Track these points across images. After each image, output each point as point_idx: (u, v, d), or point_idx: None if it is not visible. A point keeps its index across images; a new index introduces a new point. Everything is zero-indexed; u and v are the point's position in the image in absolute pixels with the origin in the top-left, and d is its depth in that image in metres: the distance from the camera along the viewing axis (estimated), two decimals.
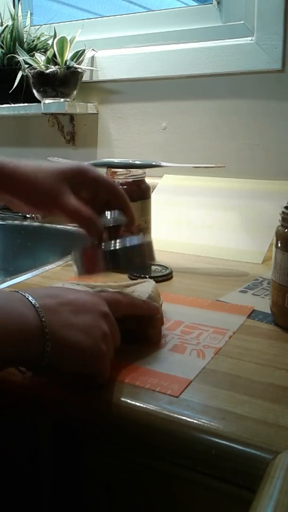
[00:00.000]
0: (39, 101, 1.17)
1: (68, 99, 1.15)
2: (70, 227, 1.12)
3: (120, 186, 0.76)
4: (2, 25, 1.22)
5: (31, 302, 0.42)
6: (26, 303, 0.42)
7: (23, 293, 0.43)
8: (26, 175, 0.53)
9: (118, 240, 0.55)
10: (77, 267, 0.56)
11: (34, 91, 1.16)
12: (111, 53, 1.16)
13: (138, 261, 0.57)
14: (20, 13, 1.20)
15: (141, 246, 0.56)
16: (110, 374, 0.46)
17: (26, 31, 1.21)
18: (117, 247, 0.55)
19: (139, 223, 0.79)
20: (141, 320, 0.54)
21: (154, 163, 0.82)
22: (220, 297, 0.68)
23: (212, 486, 0.39)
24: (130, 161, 0.81)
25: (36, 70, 1.12)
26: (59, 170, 0.54)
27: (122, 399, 0.44)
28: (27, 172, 0.53)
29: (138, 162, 0.80)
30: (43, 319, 0.41)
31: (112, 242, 0.55)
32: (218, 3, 1.05)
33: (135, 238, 0.56)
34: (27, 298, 0.42)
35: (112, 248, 0.55)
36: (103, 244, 0.55)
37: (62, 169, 0.54)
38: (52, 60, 1.12)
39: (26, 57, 1.14)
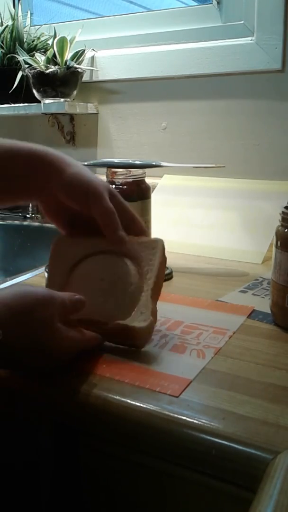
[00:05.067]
0: (39, 101, 1.17)
1: (68, 99, 1.15)
2: None
3: (120, 186, 0.76)
4: (2, 25, 1.22)
5: None
6: None
7: None
8: (76, 167, 0.55)
9: None
10: None
11: (34, 91, 1.16)
12: (111, 53, 1.16)
13: None
14: (20, 13, 1.20)
15: None
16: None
17: (26, 31, 1.21)
18: None
19: None
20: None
21: (154, 163, 0.82)
22: (220, 297, 0.68)
23: (212, 486, 0.39)
24: (130, 161, 0.80)
25: (36, 70, 1.12)
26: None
27: (122, 399, 0.44)
28: (76, 165, 0.55)
29: (138, 162, 0.80)
30: None
31: None
32: (218, 3, 1.05)
33: None
34: None
35: None
36: None
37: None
38: (52, 60, 1.12)
39: (26, 57, 1.14)
